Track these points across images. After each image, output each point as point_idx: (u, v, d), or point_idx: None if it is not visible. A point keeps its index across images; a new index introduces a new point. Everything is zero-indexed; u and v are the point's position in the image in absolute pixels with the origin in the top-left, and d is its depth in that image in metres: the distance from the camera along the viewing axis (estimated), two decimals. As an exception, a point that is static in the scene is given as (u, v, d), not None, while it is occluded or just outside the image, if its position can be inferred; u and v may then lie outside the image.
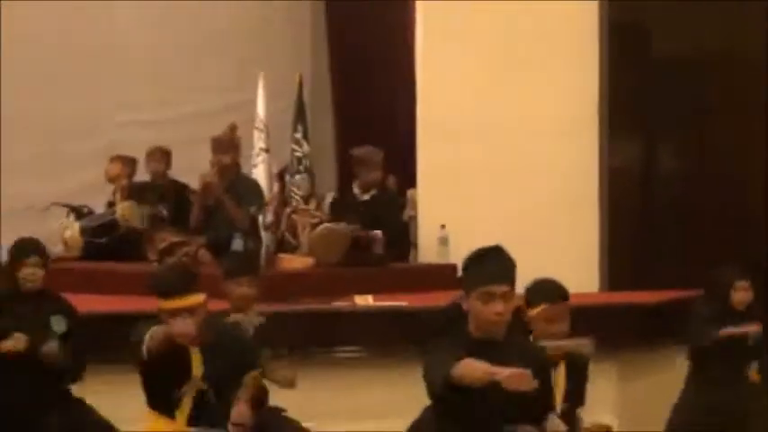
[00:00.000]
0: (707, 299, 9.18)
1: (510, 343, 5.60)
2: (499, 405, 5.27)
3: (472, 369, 5.25)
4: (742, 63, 12.22)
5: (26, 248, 8.19)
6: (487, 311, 5.48)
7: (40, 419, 8.01)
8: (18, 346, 7.66)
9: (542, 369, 5.56)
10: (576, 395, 6.75)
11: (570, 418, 6.46)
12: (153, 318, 6.73)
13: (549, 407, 5.89)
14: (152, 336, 6.58)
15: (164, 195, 12.39)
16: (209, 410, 6.77)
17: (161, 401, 6.75)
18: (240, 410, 6.74)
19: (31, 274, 8.09)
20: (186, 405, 6.72)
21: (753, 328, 8.84)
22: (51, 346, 7.92)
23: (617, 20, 12.21)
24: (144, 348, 6.56)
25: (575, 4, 12.03)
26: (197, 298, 6.72)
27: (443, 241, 12.03)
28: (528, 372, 5.15)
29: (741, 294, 8.89)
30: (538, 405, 5.50)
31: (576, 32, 12.11)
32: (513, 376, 5.13)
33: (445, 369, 5.30)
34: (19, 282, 8.07)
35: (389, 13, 13.72)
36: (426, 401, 5.73)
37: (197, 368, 6.72)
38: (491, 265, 5.58)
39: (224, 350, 6.76)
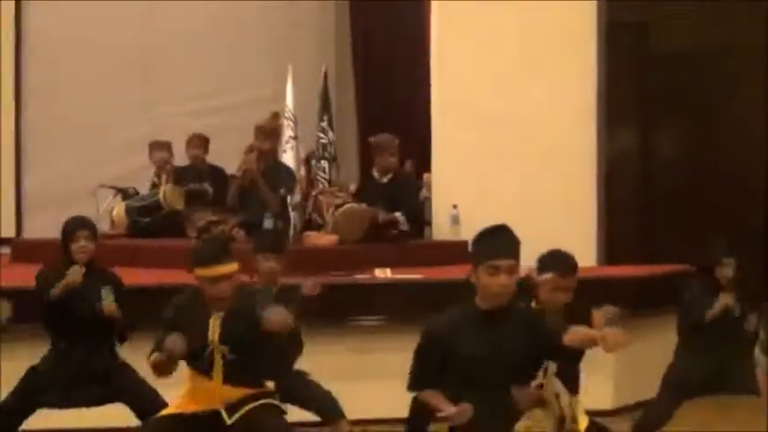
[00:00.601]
0: (695, 274, 9.17)
1: (512, 311, 5.64)
2: (501, 367, 5.32)
3: (429, 400, 5.62)
4: (737, 57, 12.23)
5: (77, 224, 8.23)
6: (493, 283, 5.52)
7: (91, 380, 8.06)
8: (76, 279, 7.71)
9: (539, 334, 5.60)
10: (575, 354, 6.78)
11: (569, 374, 6.48)
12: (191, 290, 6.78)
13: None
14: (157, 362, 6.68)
15: (202, 178, 12.40)
16: (240, 369, 6.80)
17: (198, 363, 6.79)
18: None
19: (82, 247, 8.13)
20: (218, 365, 6.76)
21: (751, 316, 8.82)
22: (110, 301, 8.00)
23: (616, 18, 12.21)
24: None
25: (576, 3, 12.01)
26: (232, 266, 6.78)
27: (455, 220, 12.06)
28: (466, 407, 5.35)
29: (725, 270, 8.88)
30: (537, 365, 5.54)
31: (577, 30, 12.08)
32: (455, 415, 5.37)
33: (417, 384, 5.77)
34: (71, 254, 8.15)
35: (408, 12, 13.72)
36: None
37: (213, 333, 6.75)
38: (497, 241, 5.62)
39: (244, 316, 6.79)
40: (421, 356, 5.68)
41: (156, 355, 6.65)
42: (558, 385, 5.55)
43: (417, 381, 5.71)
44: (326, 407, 8.38)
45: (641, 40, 12.54)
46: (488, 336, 5.51)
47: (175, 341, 6.56)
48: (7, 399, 7.88)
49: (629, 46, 12.40)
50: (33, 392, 8.06)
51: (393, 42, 14.84)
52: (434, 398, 5.61)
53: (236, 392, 6.74)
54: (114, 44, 14.74)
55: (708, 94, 12.43)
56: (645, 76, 12.42)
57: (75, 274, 7.75)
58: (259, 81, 14.55)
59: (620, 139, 12.40)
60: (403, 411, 8.61)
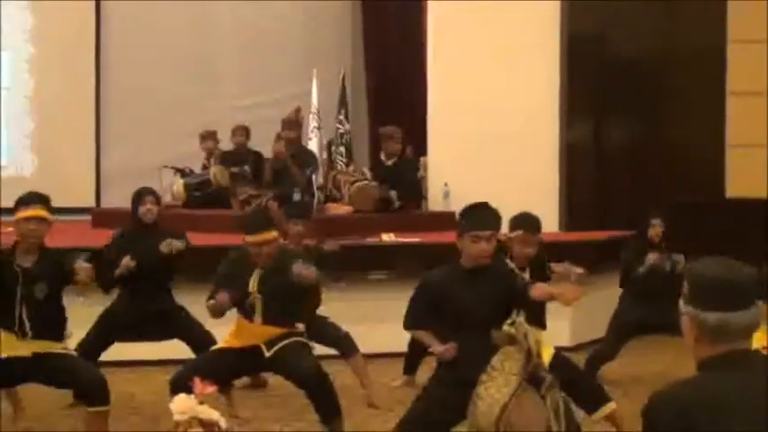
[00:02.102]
0: (634, 236, 9.22)
1: (491, 269, 5.68)
2: (481, 314, 5.37)
3: (422, 338, 5.65)
4: (679, 60, 12.21)
5: (145, 191, 8.31)
6: (475, 249, 5.55)
7: (153, 320, 8.11)
8: (128, 265, 7.70)
9: (512, 289, 5.64)
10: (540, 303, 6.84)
11: (537, 317, 6.54)
12: (239, 251, 6.83)
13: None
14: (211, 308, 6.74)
15: (244, 161, 12.42)
16: (275, 313, 6.86)
17: (242, 308, 6.84)
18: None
19: (148, 210, 8.19)
20: (258, 310, 6.81)
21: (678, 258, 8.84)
22: (175, 245, 8.04)
23: (575, 27, 12.23)
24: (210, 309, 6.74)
25: (543, 15, 12.07)
26: (272, 234, 6.85)
27: (446, 195, 12.11)
28: (452, 346, 5.42)
29: (655, 230, 8.92)
30: (510, 311, 5.59)
31: (544, 38, 12.12)
32: (444, 351, 5.43)
33: (411, 323, 5.73)
34: (140, 215, 8.20)
35: (412, 18, 13.66)
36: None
37: (254, 285, 6.81)
38: (479, 215, 5.64)
39: (280, 271, 6.83)
40: (415, 301, 5.72)
41: (211, 302, 6.72)
42: (526, 327, 5.60)
43: (411, 320, 5.74)
44: (344, 344, 8.46)
45: (596, 46, 12.51)
46: (472, 288, 5.54)
47: (223, 297, 6.65)
48: (87, 336, 7.92)
49: (586, 51, 12.38)
50: (108, 330, 8.11)
51: (398, 46, 14.79)
52: (426, 337, 5.65)
53: (272, 332, 6.78)
54: (176, 47, 14.70)
55: (651, 89, 12.42)
56: (599, 76, 12.40)
57: (126, 266, 7.76)
58: (289, 81, 14.54)
59: (578, 127, 12.41)
60: (403, 347, 8.72)
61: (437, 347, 5.41)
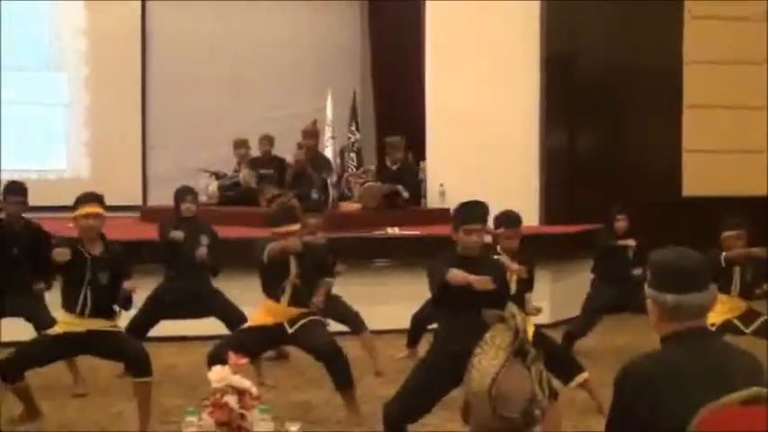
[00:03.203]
0: (603, 229, 9.20)
1: (483, 259, 5.68)
2: (476, 297, 5.35)
3: (455, 275, 5.34)
4: (643, 77, 12.22)
5: (185, 190, 8.39)
6: (468, 240, 5.54)
7: (194, 300, 8.14)
8: (177, 237, 7.87)
9: (501, 275, 5.63)
10: (526, 284, 6.86)
11: (521, 300, 6.53)
12: (266, 239, 6.83)
13: (507, 295, 5.95)
14: (269, 249, 6.70)
15: (270, 165, 12.39)
16: (301, 295, 6.88)
17: (272, 290, 6.83)
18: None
19: (187, 207, 8.23)
20: (287, 292, 6.81)
21: (630, 242, 8.84)
22: (202, 250, 8.09)
23: (552, 48, 12.25)
24: (264, 256, 6.70)
25: (525, 36, 12.15)
26: (296, 226, 6.85)
27: (442, 194, 12.09)
28: (488, 278, 5.27)
29: (620, 223, 8.92)
30: (500, 295, 5.58)
31: (526, 57, 12.16)
32: (479, 281, 5.25)
33: (441, 274, 5.40)
34: (180, 212, 8.22)
35: (412, 46, 13.61)
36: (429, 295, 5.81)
37: (293, 269, 6.81)
38: (471, 211, 5.62)
39: (307, 257, 6.85)
40: (433, 273, 5.57)
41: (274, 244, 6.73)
42: (514, 308, 5.61)
43: (438, 276, 5.51)
44: (354, 322, 8.47)
45: (571, 67, 12.50)
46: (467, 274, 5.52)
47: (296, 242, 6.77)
48: (137, 315, 7.95)
49: (561, 71, 12.38)
50: (155, 309, 8.15)
51: (400, 69, 14.67)
52: (457, 272, 5.38)
53: (296, 311, 6.80)
54: (211, 68, 14.61)
55: (618, 103, 12.43)
56: (574, 92, 12.39)
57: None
58: (308, 98, 14.45)
59: (555, 136, 12.40)
60: (406, 324, 8.73)
61: (474, 279, 5.33)
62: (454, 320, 5.44)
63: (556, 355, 6.62)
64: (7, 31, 13.73)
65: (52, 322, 6.66)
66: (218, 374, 4.46)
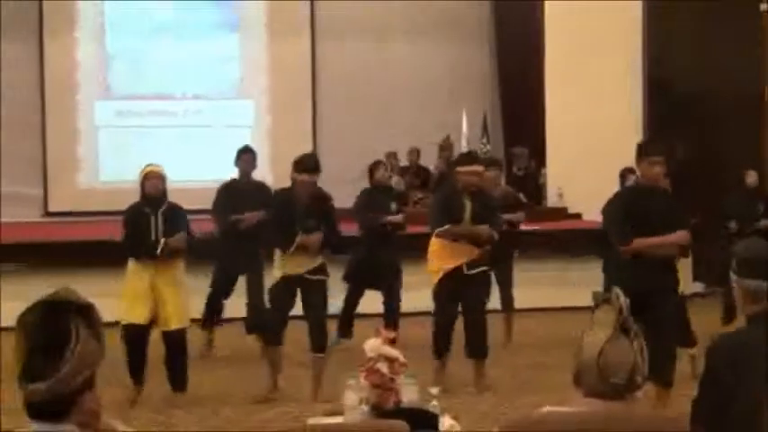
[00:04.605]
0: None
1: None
2: None
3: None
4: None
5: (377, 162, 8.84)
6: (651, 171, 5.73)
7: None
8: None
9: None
10: None
11: None
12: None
13: None
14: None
15: (415, 173, 12.46)
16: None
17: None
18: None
19: (381, 175, 8.93)
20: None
21: None
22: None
23: (653, 73, 12.01)
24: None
25: (629, 62, 12.01)
26: (480, 168, 7.09)
27: (560, 196, 12.09)
28: None
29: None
30: None
31: (631, 79, 12.03)
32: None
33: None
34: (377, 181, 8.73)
35: (533, 67, 13.32)
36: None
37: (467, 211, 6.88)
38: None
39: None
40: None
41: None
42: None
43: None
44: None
45: (666, 87, 12.22)
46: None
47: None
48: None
49: (659, 90, 12.13)
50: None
51: (523, 86, 14.31)
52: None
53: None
54: (368, 93, 14.69)
55: (700, 118, 12.15)
56: (667, 108, 12.11)
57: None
58: (445, 115, 14.36)
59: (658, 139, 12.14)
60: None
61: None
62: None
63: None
64: (210, 67, 14.53)
65: None
66: (373, 345, 4.54)
